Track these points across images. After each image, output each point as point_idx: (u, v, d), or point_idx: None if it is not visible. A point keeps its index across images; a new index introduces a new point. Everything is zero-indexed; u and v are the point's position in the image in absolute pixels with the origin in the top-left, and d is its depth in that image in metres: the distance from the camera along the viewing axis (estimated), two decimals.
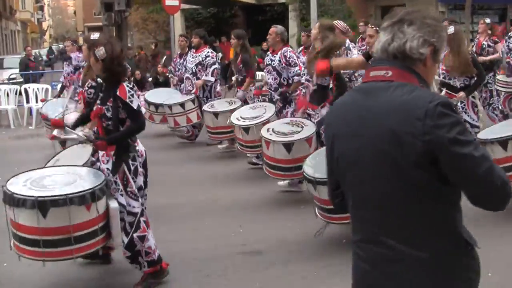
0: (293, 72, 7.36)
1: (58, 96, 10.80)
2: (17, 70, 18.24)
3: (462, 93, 6.48)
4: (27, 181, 4.06)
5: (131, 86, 4.26)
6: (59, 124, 4.56)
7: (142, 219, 4.30)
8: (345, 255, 4.84)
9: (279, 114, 7.48)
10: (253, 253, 5.12)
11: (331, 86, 6.35)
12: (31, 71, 17.11)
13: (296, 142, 6.17)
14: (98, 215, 4.06)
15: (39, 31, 67.61)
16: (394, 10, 2.04)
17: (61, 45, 40.70)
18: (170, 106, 9.63)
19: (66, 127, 4.48)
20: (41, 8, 68.01)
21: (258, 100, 8.34)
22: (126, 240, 4.23)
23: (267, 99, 7.83)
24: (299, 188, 6.79)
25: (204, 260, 4.94)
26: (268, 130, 6.48)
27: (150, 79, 15.37)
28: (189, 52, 9.86)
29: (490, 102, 9.30)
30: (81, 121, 4.62)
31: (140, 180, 4.35)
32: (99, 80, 4.38)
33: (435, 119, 1.79)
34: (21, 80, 17.21)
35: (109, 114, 4.22)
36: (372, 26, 5.22)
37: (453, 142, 1.78)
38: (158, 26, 24.19)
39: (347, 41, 7.99)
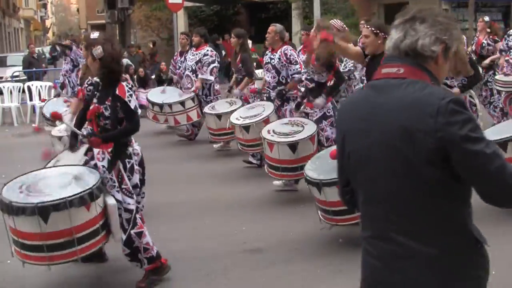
0: (294, 70, 7.35)
1: (58, 95, 10.82)
2: (20, 68, 18.30)
3: (456, 89, 6.47)
4: (22, 187, 4.04)
5: (130, 86, 4.27)
6: (58, 116, 4.57)
7: (137, 215, 4.34)
8: (346, 254, 4.88)
9: (277, 112, 7.49)
10: (253, 251, 5.13)
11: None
12: (34, 69, 17.15)
13: (301, 141, 6.18)
14: (97, 214, 4.08)
15: (42, 28, 67.66)
16: (407, 8, 2.05)
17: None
18: (170, 105, 9.65)
19: (65, 121, 4.47)
20: (44, 6, 68.05)
21: (257, 99, 8.34)
22: (124, 237, 4.26)
23: (265, 98, 7.83)
24: (295, 187, 6.80)
25: (204, 259, 4.96)
26: (269, 131, 6.46)
27: (153, 76, 15.38)
28: (190, 50, 9.88)
29: (491, 100, 9.28)
30: (80, 120, 4.63)
31: (136, 178, 4.37)
32: (95, 79, 4.39)
33: (447, 116, 1.81)
34: (24, 77, 17.26)
35: (107, 113, 4.23)
36: (368, 26, 5.16)
37: (465, 139, 1.80)
38: (161, 24, 24.13)
39: None
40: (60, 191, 4.00)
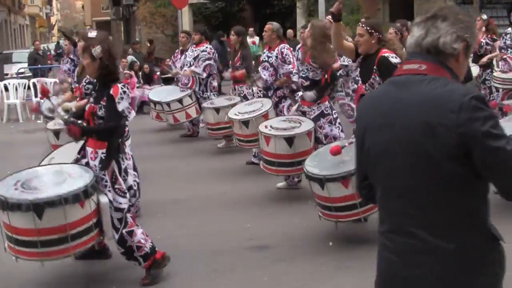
0: (286, 69, 7.40)
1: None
2: (25, 65, 18.35)
3: None
4: (17, 184, 4.08)
5: (125, 89, 4.27)
6: (46, 91, 4.56)
7: (128, 215, 4.38)
8: (351, 251, 4.89)
9: (275, 108, 7.53)
10: (260, 248, 5.12)
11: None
12: (39, 66, 17.18)
13: (298, 135, 6.16)
14: (91, 211, 4.12)
15: (48, 25, 67.80)
16: (415, 5, 2.07)
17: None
18: (168, 103, 9.70)
19: (51, 100, 4.43)
20: (50, 3, 68.15)
21: (256, 96, 8.38)
22: (116, 236, 4.30)
23: (262, 95, 7.86)
24: (298, 186, 6.82)
25: (210, 255, 4.95)
26: (266, 127, 6.49)
27: (158, 73, 15.39)
28: (190, 47, 9.96)
29: (491, 98, 9.26)
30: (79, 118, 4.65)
31: (131, 180, 4.43)
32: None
33: (469, 112, 1.82)
34: (30, 74, 17.30)
35: (100, 113, 4.26)
36: (363, 25, 5.13)
37: (487, 135, 1.82)
38: (166, 21, 24.15)
39: (344, 34, 8.12)
40: (55, 188, 4.05)
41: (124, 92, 4.24)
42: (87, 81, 5.06)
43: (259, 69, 7.74)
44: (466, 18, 2.02)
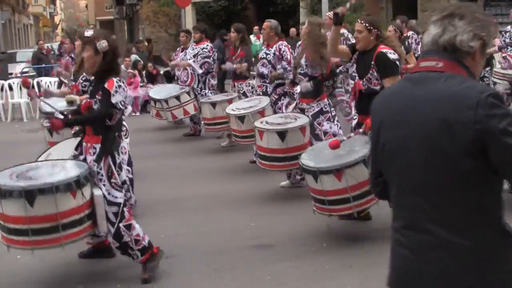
0: (281, 65, 7.46)
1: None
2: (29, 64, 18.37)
3: None
4: (12, 175, 4.16)
5: (120, 83, 4.28)
6: (26, 83, 4.60)
7: (125, 209, 4.37)
8: (354, 249, 4.88)
9: (274, 106, 7.57)
10: (263, 246, 5.11)
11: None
12: (43, 65, 17.20)
13: (290, 130, 6.16)
14: (83, 203, 4.15)
15: (51, 25, 67.89)
16: (450, 5, 2.08)
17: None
18: (166, 100, 9.75)
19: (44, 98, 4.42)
20: (53, 2, 68.25)
21: (255, 93, 8.41)
22: (112, 230, 4.30)
23: (261, 93, 7.88)
24: (301, 184, 6.81)
25: (213, 254, 4.94)
26: (262, 122, 6.54)
27: (162, 72, 15.40)
28: (191, 45, 10.02)
29: None
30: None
31: (124, 175, 4.44)
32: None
33: (486, 109, 1.84)
34: (34, 73, 17.33)
35: (96, 107, 4.28)
36: (362, 22, 5.14)
37: (503, 132, 1.83)
38: (169, 20, 24.16)
39: (345, 30, 8.26)
40: (48, 178, 4.11)
41: (119, 86, 4.25)
42: (83, 79, 5.09)
43: (257, 65, 7.79)
44: (483, 17, 2.04)
